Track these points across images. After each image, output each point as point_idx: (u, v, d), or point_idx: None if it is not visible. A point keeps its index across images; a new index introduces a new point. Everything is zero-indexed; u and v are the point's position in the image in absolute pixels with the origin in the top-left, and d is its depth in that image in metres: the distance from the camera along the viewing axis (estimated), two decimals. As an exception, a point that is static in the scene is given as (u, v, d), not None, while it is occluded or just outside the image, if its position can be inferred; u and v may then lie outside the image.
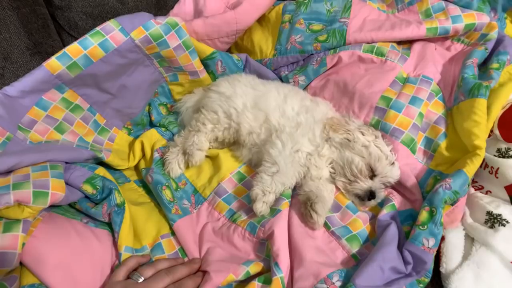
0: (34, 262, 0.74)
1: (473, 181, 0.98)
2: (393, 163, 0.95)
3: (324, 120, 1.02)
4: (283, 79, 1.25)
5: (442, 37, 1.14)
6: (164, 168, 1.04)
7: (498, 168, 0.91)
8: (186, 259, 0.89)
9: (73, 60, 0.90)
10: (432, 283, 0.82)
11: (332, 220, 0.91)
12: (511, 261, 0.80)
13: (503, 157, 0.92)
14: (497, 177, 0.91)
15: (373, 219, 0.92)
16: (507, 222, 0.84)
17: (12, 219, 0.74)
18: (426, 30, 1.10)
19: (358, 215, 0.92)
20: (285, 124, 1.00)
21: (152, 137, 1.15)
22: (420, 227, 0.81)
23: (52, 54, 0.89)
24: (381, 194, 0.95)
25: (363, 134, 0.97)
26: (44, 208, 0.78)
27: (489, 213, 0.88)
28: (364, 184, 0.94)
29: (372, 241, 0.87)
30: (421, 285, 0.79)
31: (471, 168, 0.86)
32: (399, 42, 1.16)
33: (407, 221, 0.89)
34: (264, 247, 0.87)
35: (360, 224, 0.90)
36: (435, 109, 1.03)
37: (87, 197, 0.92)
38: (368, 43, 1.14)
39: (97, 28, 0.93)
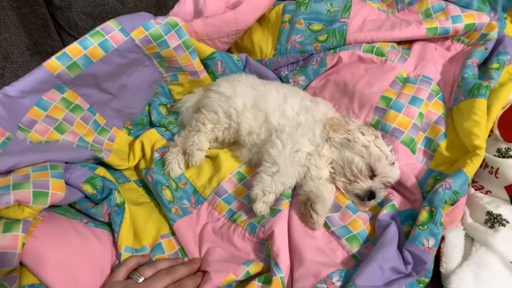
0: (34, 262, 0.74)
1: (473, 181, 0.98)
2: (393, 163, 0.95)
3: (324, 120, 1.02)
4: (283, 79, 1.25)
5: (442, 37, 1.14)
6: (164, 168, 1.04)
7: (498, 168, 0.91)
8: (186, 259, 0.88)
9: (73, 60, 0.90)
10: (432, 283, 0.82)
11: (332, 220, 0.91)
12: (511, 261, 0.80)
13: (503, 157, 0.92)
14: (497, 177, 0.91)
15: (373, 219, 0.92)
16: (507, 222, 0.84)
17: (12, 219, 0.74)
18: (426, 30, 1.10)
19: (358, 215, 0.92)
20: (285, 124, 1.00)
21: (152, 137, 1.15)
22: (420, 227, 0.81)
23: (52, 54, 0.89)
24: (381, 194, 0.95)
25: (363, 134, 0.97)
26: (44, 208, 0.78)
27: (489, 213, 0.88)
28: (364, 184, 0.94)
29: (372, 241, 0.87)
30: (421, 285, 0.79)
31: (471, 168, 0.86)
32: (399, 42, 1.16)
33: (407, 221, 0.89)
34: (264, 247, 0.87)
35: (360, 224, 0.90)
36: (435, 109, 1.03)
37: (87, 197, 0.92)
38: (368, 43, 1.14)
39: (97, 28, 0.93)
